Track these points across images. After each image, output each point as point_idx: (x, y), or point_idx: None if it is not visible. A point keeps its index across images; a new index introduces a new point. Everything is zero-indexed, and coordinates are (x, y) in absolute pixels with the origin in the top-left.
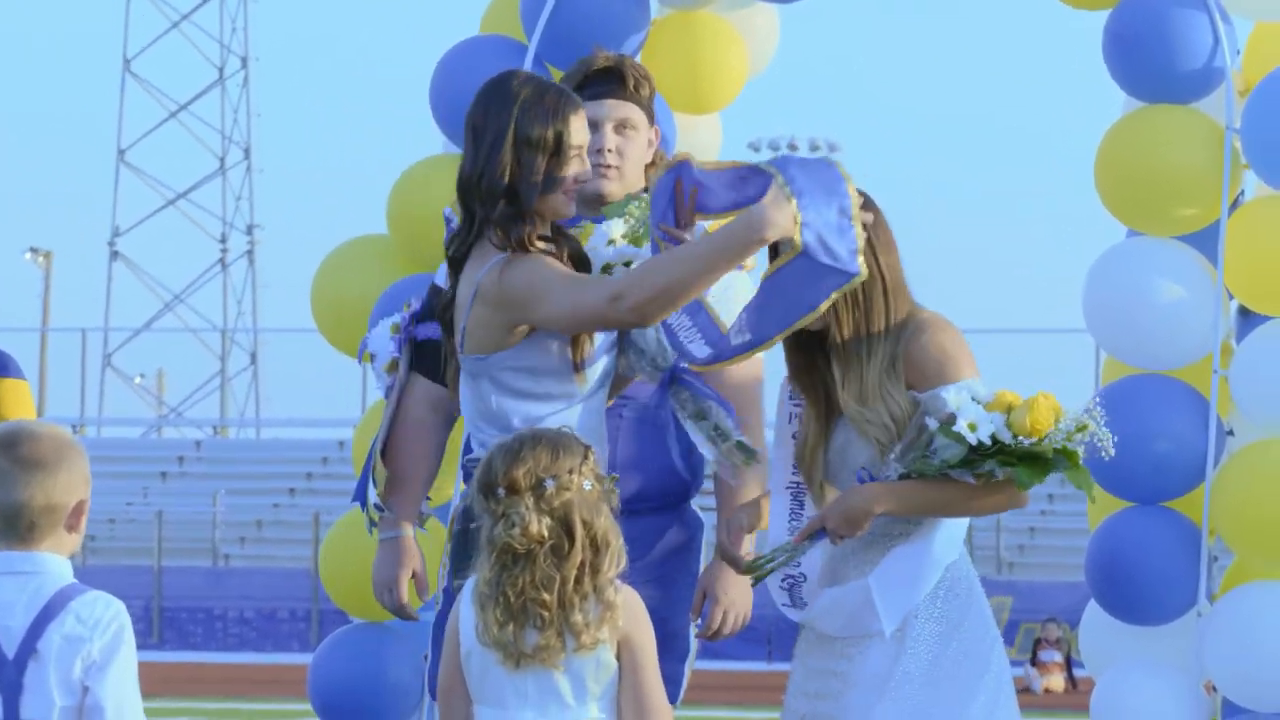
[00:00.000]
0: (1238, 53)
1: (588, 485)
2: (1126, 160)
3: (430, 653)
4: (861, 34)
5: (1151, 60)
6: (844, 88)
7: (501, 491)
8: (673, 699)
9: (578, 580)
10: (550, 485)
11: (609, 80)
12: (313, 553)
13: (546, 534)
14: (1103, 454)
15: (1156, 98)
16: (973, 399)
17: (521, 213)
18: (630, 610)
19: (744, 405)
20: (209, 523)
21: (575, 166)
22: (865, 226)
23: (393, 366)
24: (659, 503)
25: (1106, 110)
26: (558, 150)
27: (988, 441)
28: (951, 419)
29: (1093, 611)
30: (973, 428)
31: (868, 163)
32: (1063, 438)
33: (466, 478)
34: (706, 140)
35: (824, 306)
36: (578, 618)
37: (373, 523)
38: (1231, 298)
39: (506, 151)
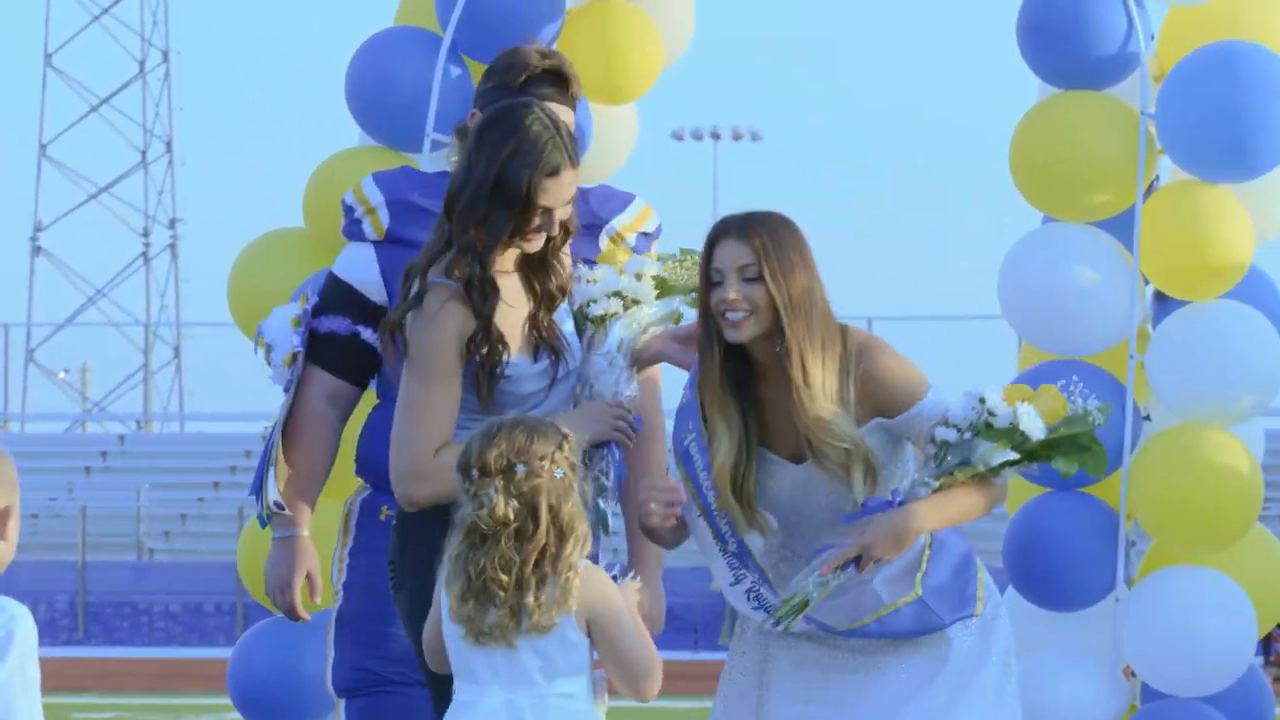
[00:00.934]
0: (1152, 38)
1: (559, 473)
2: (1041, 146)
3: (332, 651)
4: (776, 20)
5: (1066, 46)
6: (758, 75)
7: (475, 473)
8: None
9: (537, 563)
10: (521, 470)
11: (550, 83)
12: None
13: (512, 516)
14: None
15: (1071, 84)
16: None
17: (484, 250)
18: (591, 585)
19: (646, 411)
20: (133, 517)
21: (537, 221)
22: (804, 251)
23: (293, 359)
24: None
25: (1021, 97)
26: (528, 204)
27: (1040, 434)
28: (984, 420)
29: (1010, 597)
30: (1026, 418)
31: (783, 150)
32: (1097, 418)
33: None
34: (622, 129)
35: None
36: (530, 599)
37: (265, 519)
38: (1147, 283)
39: (488, 187)
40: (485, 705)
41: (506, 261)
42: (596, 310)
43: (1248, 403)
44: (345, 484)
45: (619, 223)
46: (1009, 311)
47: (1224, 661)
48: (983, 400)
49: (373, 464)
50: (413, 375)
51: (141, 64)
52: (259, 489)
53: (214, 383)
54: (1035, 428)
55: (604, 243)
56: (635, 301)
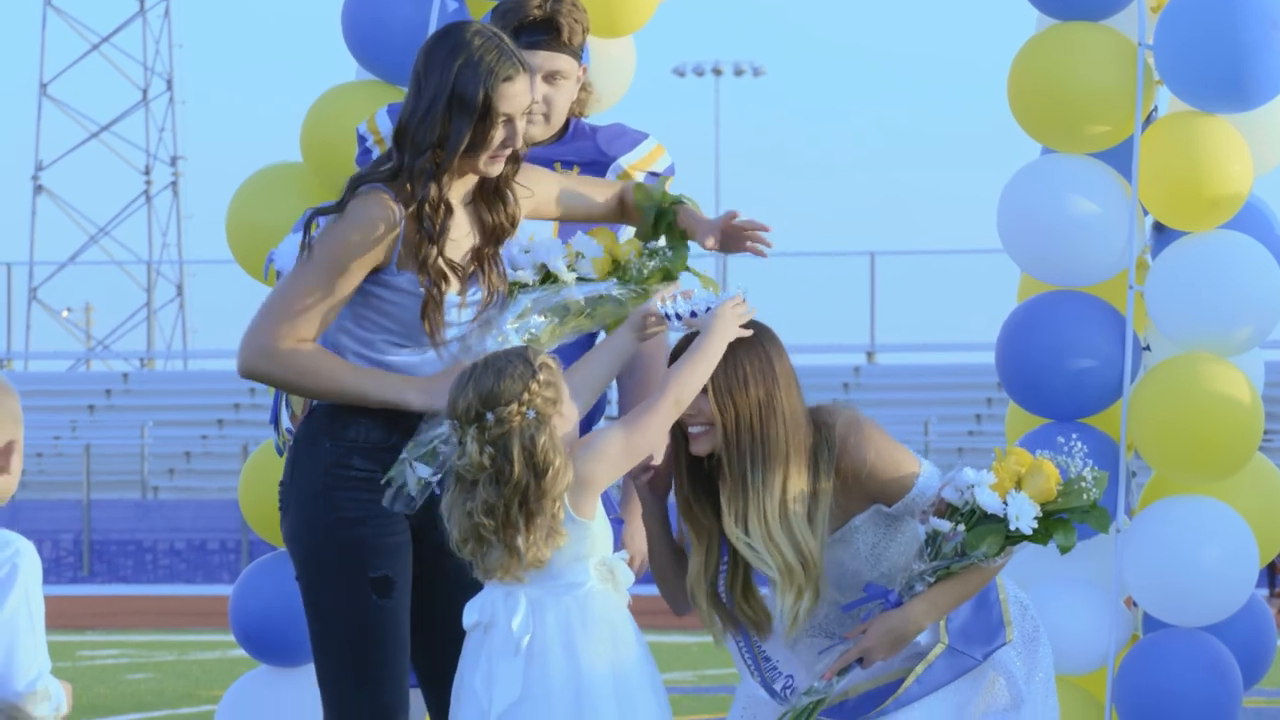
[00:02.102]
0: None
1: (530, 413)
2: (1040, 78)
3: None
4: None
5: None
6: (760, 10)
7: (456, 423)
8: None
9: (521, 503)
10: (490, 418)
11: (543, 31)
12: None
13: (487, 463)
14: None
15: (1069, 15)
16: (988, 487)
17: (440, 169)
18: (582, 453)
19: (648, 350)
20: (137, 455)
21: (502, 133)
22: (762, 360)
23: None
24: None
25: (1020, 28)
26: (486, 115)
27: (1036, 526)
28: (972, 514)
29: None
30: (1019, 519)
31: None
32: (1093, 488)
33: None
34: (621, 63)
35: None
36: (521, 540)
37: (281, 449)
38: (1146, 214)
39: (440, 108)
40: (487, 597)
41: (458, 193)
42: (513, 276)
43: (1246, 333)
44: None
45: (626, 161)
46: (1008, 243)
47: (1225, 591)
48: (973, 494)
49: None
50: (310, 258)
51: (141, 1)
52: (276, 418)
53: (217, 320)
54: (1027, 519)
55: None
56: (554, 279)
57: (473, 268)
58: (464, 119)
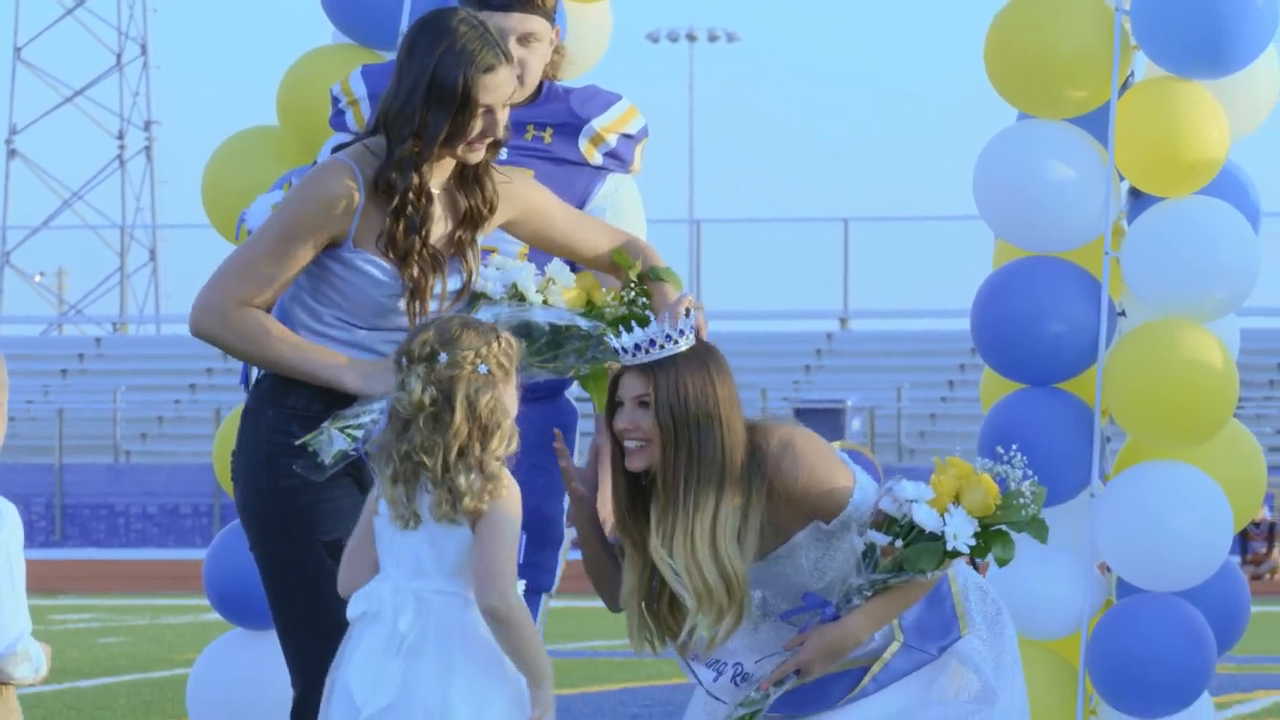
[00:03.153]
0: None
1: (484, 369)
2: (1016, 43)
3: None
4: None
5: None
6: None
7: (404, 360)
8: (547, 586)
9: (461, 452)
10: (443, 359)
11: None
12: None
13: (428, 402)
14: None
15: None
16: (926, 502)
17: (421, 156)
18: (507, 493)
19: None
20: (110, 420)
21: (481, 123)
22: (705, 379)
23: None
24: (537, 393)
25: None
26: (465, 105)
27: (972, 543)
28: (909, 532)
29: None
30: (955, 537)
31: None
32: (1031, 503)
33: None
34: (596, 27)
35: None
36: (460, 481)
37: None
38: (1122, 179)
39: (421, 94)
40: (375, 588)
41: (437, 179)
42: (479, 287)
43: (1222, 298)
44: None
45: (599, 123)
46: (984, 208)
47: (1199, 557)
48: (910, 510)
49: None
50: (269, 224)
51: None
52: (246, 382)
53: (190, 285)
54: (965, 536)
55: (583, 144)
56: (521, 298)
57: (451, 253)
58: (443, 109)
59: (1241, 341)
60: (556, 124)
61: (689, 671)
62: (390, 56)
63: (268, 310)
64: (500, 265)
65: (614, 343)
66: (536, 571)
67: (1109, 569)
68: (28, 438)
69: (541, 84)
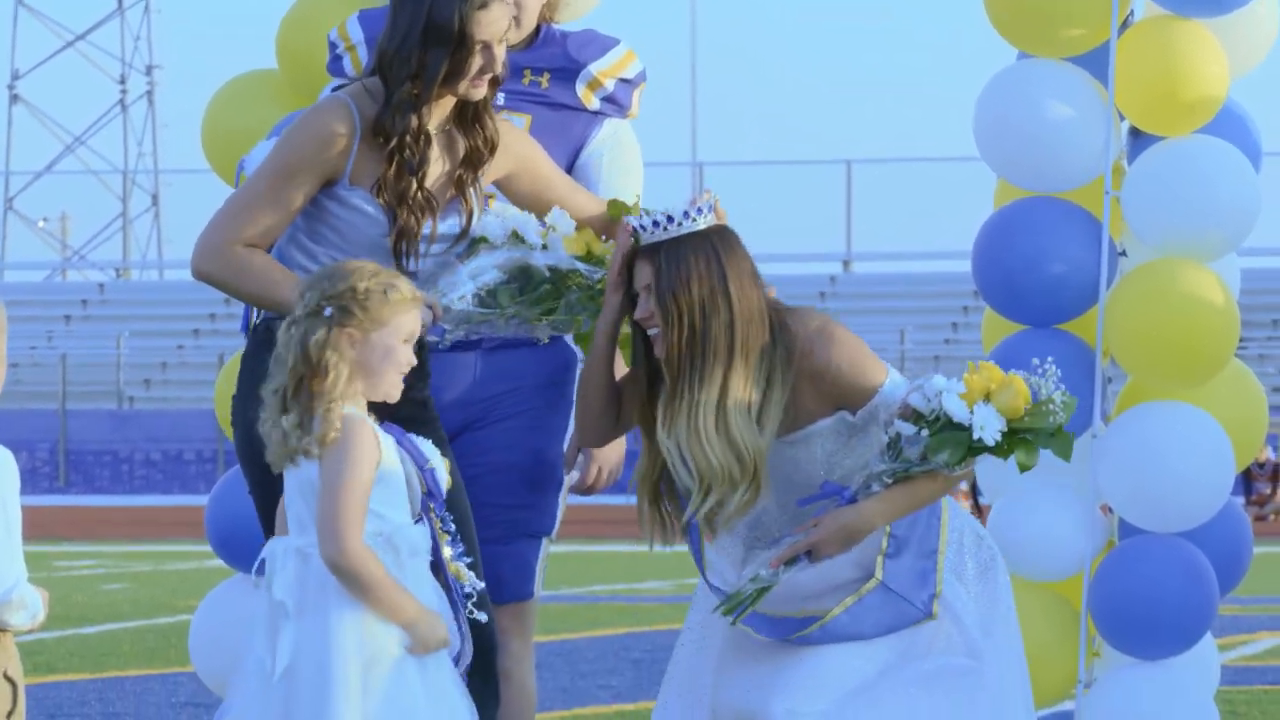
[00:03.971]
0: None
1: (328, 311)
2: None
3: None
4: None
5: None
6: None
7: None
8: (548, 530)
9: (295, 392)
10: (306, 298)
11: None
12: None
13: (282, 348)
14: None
15: None
16: (957, 395)
17: (420, 97)
18: (338, 436)
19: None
20: (113, 365)
21: (479, 59)
22: (709, 256)
23: None
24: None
25: None
26: (463, 42)
27: (999, 439)
28: (937, 419)
29: None
30: (983, 428)
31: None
32: (1061, 410)
33: None
34: None
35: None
36: (287, 421)
37: None
38: (1122, 118)
39: (417, 35)
40: (269, 547)
41: (435, 119)
42: (478, 231)
43: (1223, 237)
44: None
45: (596, 68)
46: (984, 149)
47: (1201, 497)
48: (940, 398)
49: None
50: (266, 163)
51: None
52: (247, 327)
53: (193, 230)
54: (991, 431)
55: (581, 88)
56: (521, 240)
57: (451, 194)
58: (440, 49)
59: (1243, 281)
60: (554, 68)
61: (699, 561)
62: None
63: (268, 251)
64: (500, 212)
65: (634, 221)
66: (536, 515)
67: (1111, 510)
68: (31, 384)
69: (539, 28)
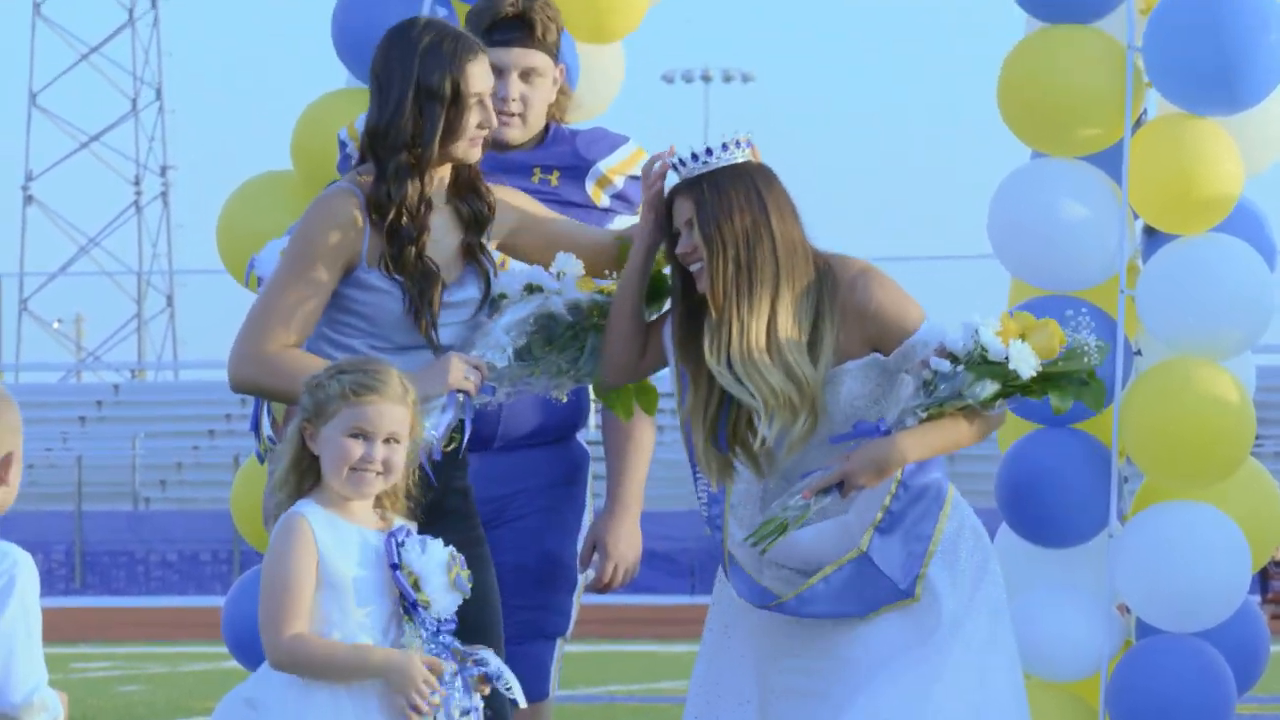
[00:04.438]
0: None
1: (306, 399)
2: (1029, 81)
3: None
4: None
5: None
6: (749, 16)
7: None
8: (562, 630)
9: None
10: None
11: (516, 28)
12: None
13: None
14: (1094, 363)
15: (1058, 18)
16: (993, 332)
17: (419, 166)
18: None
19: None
20: (129, 466)
21: (476, 115)
22: (749, 188)
23: None
24: (551, 436)
25: (1009, 31)
26: (456, 99)
27: (1034, 373)
28: (974, 354)
29: (1004, 534)
30: (1018, 361)
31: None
32: (1094, 355)
33: None
34: (609, 69)
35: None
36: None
37: (262, 455)
38: (1137, 217)
39: (409, 104)
40: None
41: (434, 188)
42: (496, 290)
43: (1238, 336)
44: None
45: (605, 165)
46: (999, 248)
47: (1218, 596)
48: (977, 333)
49: None
50: (283, 261)
51: (130, 11)
52: (256, 425)
53: (207, 330)
54: (1026, 366)
55: (590, 186)
56: (537, 289)
57: (465, 262)
58: (435, 108)
59: (1258, 379)
60: (563, 166)
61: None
62: None
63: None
64: (513, 271)
65: (670, 158)
66: (550, 615)
67: (1128, 610)
68: (47, 485)
69: (547, 126)
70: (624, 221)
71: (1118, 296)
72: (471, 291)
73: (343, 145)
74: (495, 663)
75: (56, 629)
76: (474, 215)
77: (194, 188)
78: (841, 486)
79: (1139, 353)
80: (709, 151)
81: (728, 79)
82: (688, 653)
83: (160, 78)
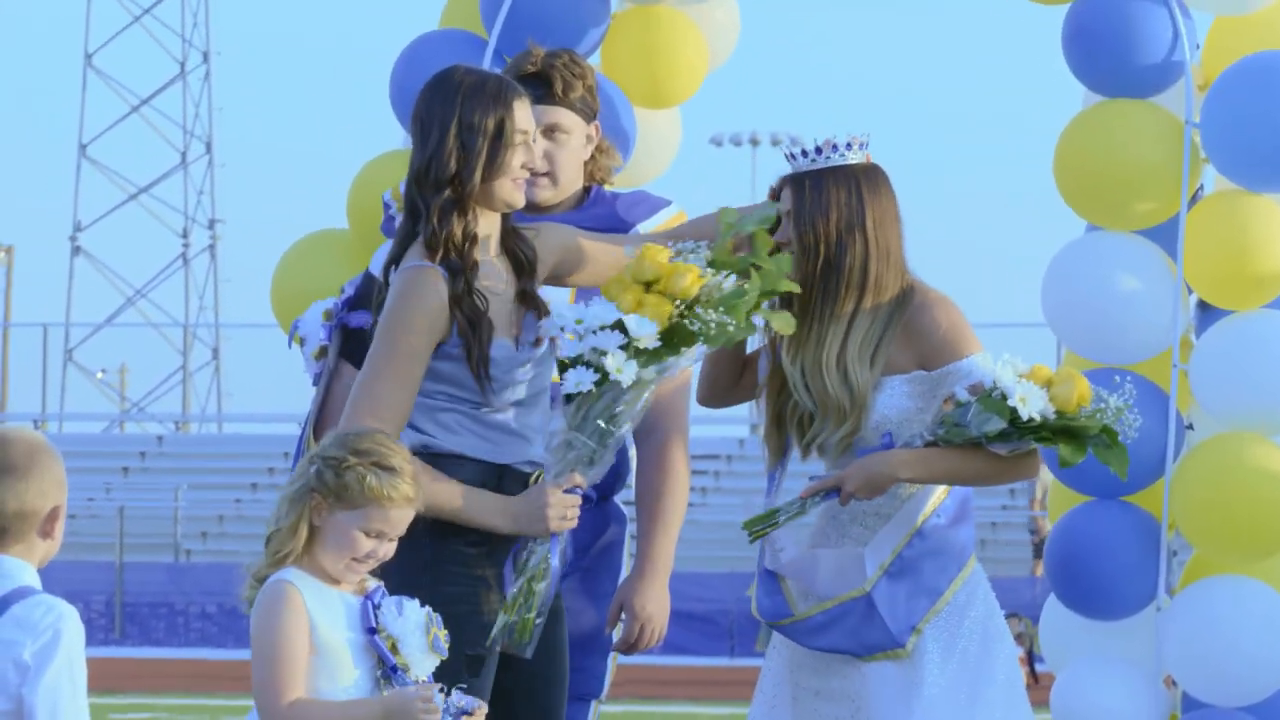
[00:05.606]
0: (1197, 47)
1: (313, 469)
2: (1086, 154)
3: None
4: (822, 26)
5: (1111, 54)
6: (803, 81)
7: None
8: (597, 693)
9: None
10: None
11: (535, 85)
12: None
13: None
14: (1130, 434)
15: (1116, 92)
16: (1015, 372)
17: (463, 202)
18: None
19: (670, 414)
20: (171, 518)
21: (522, 154)
22: (850, 191)
23: (322, 353)
24: (590, 499)
25: (1066, 104)
26: (499, 135)
27: (1038, 417)
28: (991, 390)
29: (1052, 606)
30: (1024, 401)
31: None
32: (1111, 416)
33: None
34: (666, 134)
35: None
36: (250, 569)
37: None
38: (1191, 292)
39: (451, 140)
40: None
41: (488, 240)
42: (569, 388)
43: None
44: None
45: (644, 228)
46: (1052, 319)
47: (1265, 671)
48: (996, 368)
49: None
50: (373, 354)
51: (182, 64)
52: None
53: (252, 384)
54: (1032, 408)
55: (629, 250)
56: (640, 350)
57: (525, 310)
58: (477, 141)
59: None
60: (602, 229)
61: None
62: None
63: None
64: (578, 319)
65: (788, 149)
66: (584, 677)
67: (1175, 683)
68: (88, 535)
69: (589, 188)
70: None
71: (1170, 370)
72: (530, 335)
73: (386, 206)
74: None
75: (96, 679)
76: (526, 261)
77: (242, 242)
78: (840, 493)
79: (1190, 427)
80: (818, 150)
81: (775, 143)
82: (727, 714)
83: (210, 131)
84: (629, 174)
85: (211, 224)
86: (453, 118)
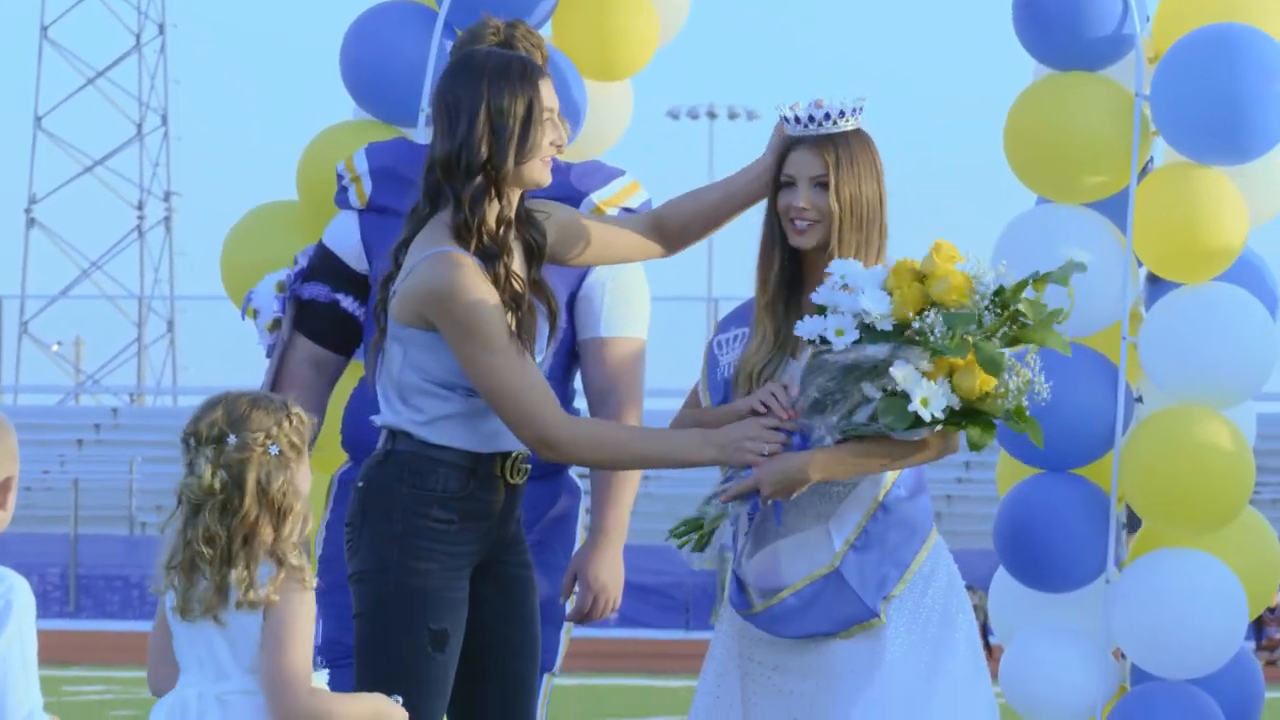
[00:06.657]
0: (1147, 19)
1: (275, 449)
2: (1036, 128)
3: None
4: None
5: (1061, 27)
6: (754, 53)
7: (191, 440)
8: (550, 666)
9: (246, 540)
10: (232, 441)
11: None
12: None
13: (218, 487)
14: (1040, 400)
15: (1066, 65)
16: (915, 366)
17: (497, 186)
18: (309, 584)
19: (625, 382)
20: (126, 490)
21: (550, 131)
22: (874, 159)
23: (275, 325)
24: (543, 471)
25: (1016, 78)
26: (529, 116)
27: (940, 416)
28: (894, 392)
29: (1001, 578)
30: (925, 403)
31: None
32: (1013, 399)
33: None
34: (618, 106)
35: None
36: (234, 574)
37: None
38: (1140, 265)
39: (481, 125)
40: (179, 696)
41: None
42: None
43: (1239, 385)
44: (336, 458)
45: (598, 197)
46: None
47: (1214, 644)
48: (893, 370)
49: (354, 439)
50: (480, 349)
51: (137, 37)
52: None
53: (207, 356)
54: (935, 408)
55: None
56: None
57: (533, 295)
58: (509, 125)
59: (1258, 427)
60: (555, 198)
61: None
62: (411, 133)
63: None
64: (841, 282)
65: (784, 113)
66: (542, 651)
67: (1123, 656)
68: (43, 507)
69: None
70: None
71: (1120, 343)
72: (541, 324)
73: (340, 177)
74: None
75: (50, 651)
76: (536, 247)
77: (197, 214)
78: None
79: (1140, 399)
80: (841, 113)
81: (732, 116)
82: (682, 687)
83: (166, 104)
84: (580, 146)
85: (167, 196)
86: (481, 103)
